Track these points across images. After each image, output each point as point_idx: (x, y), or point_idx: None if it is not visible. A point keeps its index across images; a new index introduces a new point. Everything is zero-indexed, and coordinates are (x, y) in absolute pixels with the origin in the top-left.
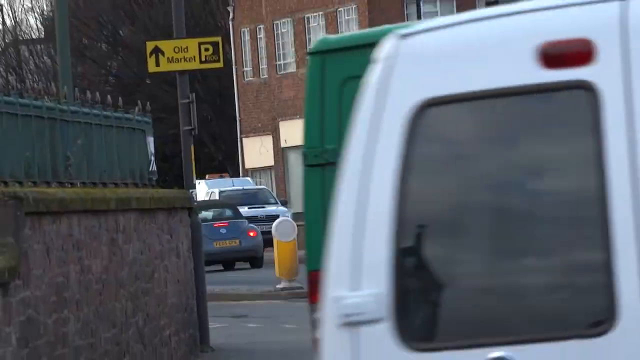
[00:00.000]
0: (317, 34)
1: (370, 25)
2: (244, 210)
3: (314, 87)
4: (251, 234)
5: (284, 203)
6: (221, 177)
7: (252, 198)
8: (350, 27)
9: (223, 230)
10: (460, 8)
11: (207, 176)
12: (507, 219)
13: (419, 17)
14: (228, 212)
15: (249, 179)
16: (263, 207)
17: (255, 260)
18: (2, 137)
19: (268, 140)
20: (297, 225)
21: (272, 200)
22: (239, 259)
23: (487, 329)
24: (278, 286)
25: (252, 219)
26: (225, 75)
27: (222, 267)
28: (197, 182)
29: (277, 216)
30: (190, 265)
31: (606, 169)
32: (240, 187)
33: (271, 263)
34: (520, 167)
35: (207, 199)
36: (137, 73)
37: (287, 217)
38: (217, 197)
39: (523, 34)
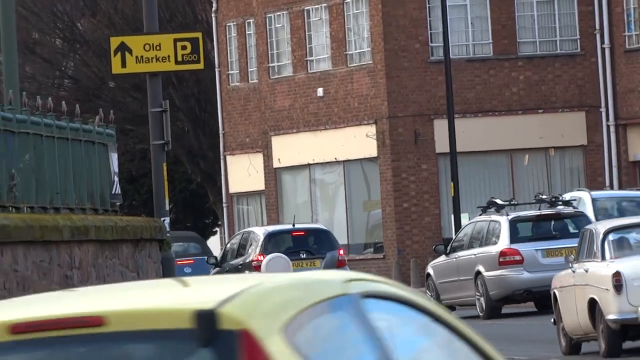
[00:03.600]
0: (319, 30)
1: (384, 21)
2: None
3: None
4: None
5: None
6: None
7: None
8: (360, 23)
9: (187, 270)
10: (495, 0)
11: None
12: None
13: (443, 11)
14: (193, 247)
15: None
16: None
17: None
18: None
19: (258, 158)
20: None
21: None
22: None
23: None
24: None
25: None
26: (207, 79)
27: None
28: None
29: None
30: None
31: None
32: None
33: None
34: None
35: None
36: (99, 75)
37: (280, 253)
38: None
39: None
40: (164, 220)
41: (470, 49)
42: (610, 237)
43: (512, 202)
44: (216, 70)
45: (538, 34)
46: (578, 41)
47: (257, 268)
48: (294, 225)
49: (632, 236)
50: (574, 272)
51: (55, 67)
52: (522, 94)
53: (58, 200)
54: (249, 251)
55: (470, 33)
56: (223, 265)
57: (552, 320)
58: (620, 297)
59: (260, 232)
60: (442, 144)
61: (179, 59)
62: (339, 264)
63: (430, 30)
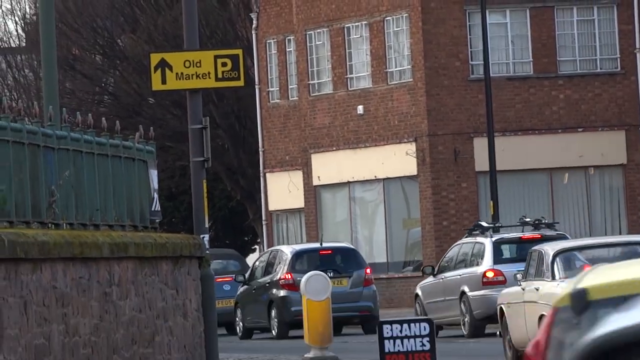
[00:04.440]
0: (359, 48)
1: (425, 39)
2: None
3: None
4: None
5: None
6: None
7: None
8: (400, 40)
9: (227, 287)
10: (535, 19)
11: None
12: None
13: (484, 29)
14: (232, 265)
15: None
16: None
17: None
18: None
19: (297, 176)
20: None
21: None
22: None
23: None
24: (307, 355)
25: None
26: (247, 96)
27: (225, 331)
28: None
29: None
30: (200, 328)
31: None
32: None
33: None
34: None
35: None
36: (139, 91)
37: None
38: None
39: None
40: (203, 238)
41: (511, 67)
42: (560, 258)
43: (497, 225)
44: (256, 87)
45: (578, 53)
46: (618, 60)
47: (285, 287)
48: (321, 244)
49: (580, 257)
50: (523, 289)
51: (95, 84)
52: (562, 113)
53: (97, 217)
54: (277, 269)
55: (510, 51)
56: (251, 283)
57: (498, 332)
58: None
59: (287, 250)
60: (481, 162)
61: (219, 75)
62: (365, 283)
63: (471, 48)
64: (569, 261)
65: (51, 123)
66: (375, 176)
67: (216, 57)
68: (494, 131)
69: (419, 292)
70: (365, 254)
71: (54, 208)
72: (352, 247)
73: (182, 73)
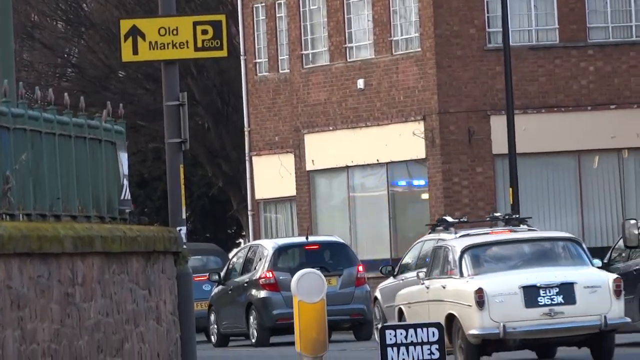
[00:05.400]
0: (360, 13)
1: (435, 3)
2: None
3: None
4: None
5: None
6: None
7: None
8: (407, 4)
9: (206, 287)
10: None
11: None
12: None
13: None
14: (213, 261)
15: None
16: None
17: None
18: None
19: (288, 160)
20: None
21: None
22: None
23: None
24: None
25: None
26: (230, 68)
27: (204, 337)
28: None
29: None
30: (176, 334)
31: None
32: None
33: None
34: None
35: None
36: (107, 63)
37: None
38: None
39: None
40: (180, 230)
41: (533, 36)
42: (468, 254)
43: (462, 220)
44: (241, 58)
45: (611, 19)
46: None
47: (265, 287)
48: (307, 238)
49: (489, 253)
50: (427, 288)
51: (57, 54)
52: (592, 87)
53: (59, 207)
54: (256, 267)
55: (533, 17)
56: (227, 283)
57: None
58: (482, 313)
59: (268, 245)
60: (499, 144)
61: (199, 45)
62: (357, 283)
63: (488, 13)
64: (478, 258)
65: (6, 99)
66: (378, 160)
67: (195, 23)
68: (513, 108)
69: (378, 295)
70: (366, 248)
71: (8, 197)
72: (342, 241)
73: (156, 42)
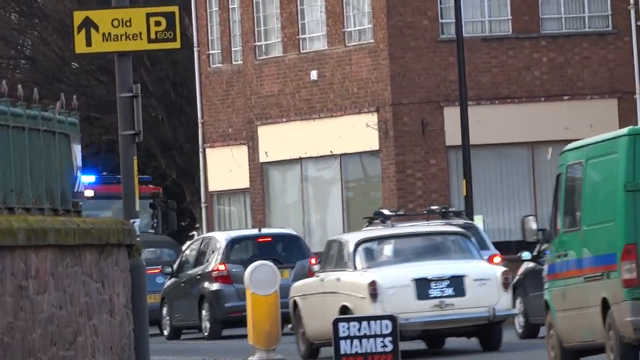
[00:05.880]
0: (313, 4)
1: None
2: None
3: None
4: None
5: None
6: None
7: None
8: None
9: (160, 280)
10: None
11: None
12: None
13: None
14: (167, 254)
15: None
16: None
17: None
18: None
19: (242, 152)
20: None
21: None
22: None
23: None
24: (251, 358)
25: None
26: (184, 60)
27: (158, 330)
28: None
29: None
30: (129, 327)
31: None
32: None
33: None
34: None
35: None
36: (60, 55)
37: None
38: None
39: None
40: (133, 223)
41: (486, 27)
42: (362, 247)
43: (399, 213)
44: (195, 50)
45: (564, 10)
46: (610, 18)
47: (218, 279)
48: (259, 230)
49: (382, 247)
50: (322, 280)
51: (10, 46)
52: (545, 78)
53: (12, 199)
54: (209, 259)
55: (486, 8)
56: (180, 276)
57: (290, 326)
58: (375, 305)
59: (221, 237)
60: (453, 136)
61: (152, 36)
62: (310, 275)
63: (441, 4)
64: (371, 251)
65: None
66: (331, 152)
67: (149, 15)
68: (467, 100)
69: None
70: (319, 241)
71: None
72: (294, 233)
73: (109, 33)
